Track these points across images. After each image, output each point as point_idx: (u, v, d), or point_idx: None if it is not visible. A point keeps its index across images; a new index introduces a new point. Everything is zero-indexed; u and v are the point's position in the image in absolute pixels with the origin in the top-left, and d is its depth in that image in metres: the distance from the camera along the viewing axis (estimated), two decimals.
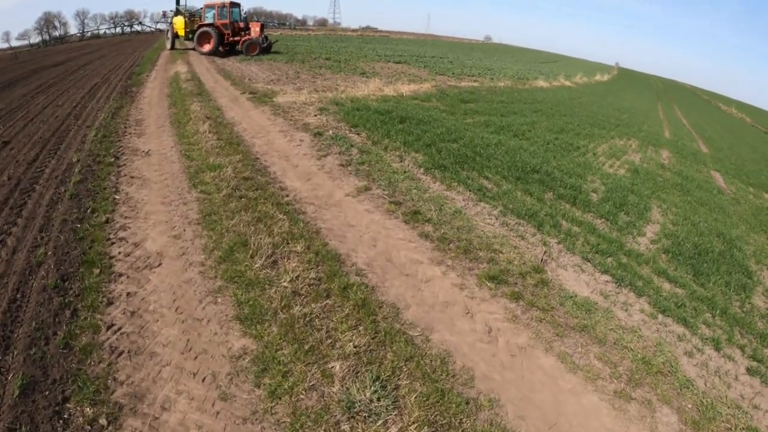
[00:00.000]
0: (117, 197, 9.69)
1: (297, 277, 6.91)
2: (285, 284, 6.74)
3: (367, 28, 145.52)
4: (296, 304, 6.39)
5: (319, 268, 7.27)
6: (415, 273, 7.57)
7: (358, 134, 13.93)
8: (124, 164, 11.59)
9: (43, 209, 9.18)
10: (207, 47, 36.54)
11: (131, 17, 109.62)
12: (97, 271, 7.02)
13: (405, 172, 11.41)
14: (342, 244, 8.16)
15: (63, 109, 18.38)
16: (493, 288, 7.25)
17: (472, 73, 39.31)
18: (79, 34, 54.55)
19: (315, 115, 15.59)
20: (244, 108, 16.95)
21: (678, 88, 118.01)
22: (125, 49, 49.36)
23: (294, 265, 7.20)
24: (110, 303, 6.35)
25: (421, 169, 11.70)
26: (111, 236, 8.11)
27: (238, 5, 38.53)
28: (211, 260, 7.35)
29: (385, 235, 8.63)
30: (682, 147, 26.93)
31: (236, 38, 37.85)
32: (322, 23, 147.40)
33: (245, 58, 34.55)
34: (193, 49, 38.85)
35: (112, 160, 11.79)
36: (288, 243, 7.78)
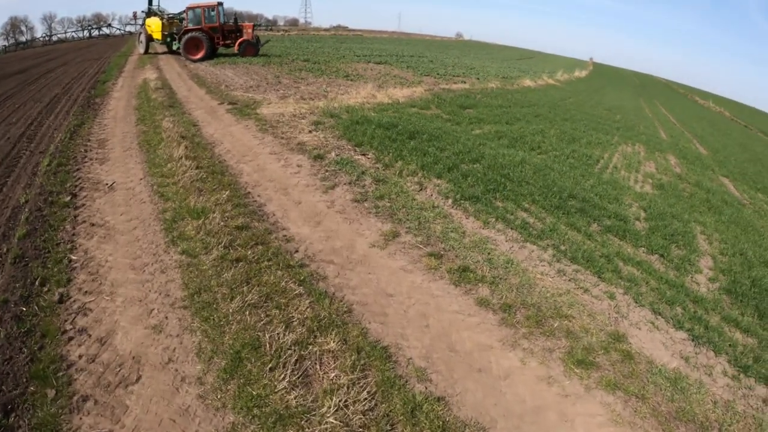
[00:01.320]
0: (74, 257, 7.24)
1: (343, 402, 4.57)
2: (330, 419, 4.41)
3: (339, 27, 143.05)
4: None
5: (368, 377, 4.99)
6: (488, 366, 5.54)
7: (364, 155, 11.51)
8: (83, 204, 9.08)
9: None
10: (198, 54, 32.37)
11: (99, 20, 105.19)
12: (52, 393, 4.73)
13: (434, 206, 9.19)
14: (385, 328, 5.87)
15: (16, 128, 15.52)
16: (584, 377, 5.47)
17: (457, 72, 37.18)
18: (45, 38, 50.29)
19: (310, 132, 13.07)
20: (224, 122, 14.32)
21: (653, 83, 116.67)
22: (91, 54, 45.87)
23: (333, 376, 4.93)
24: None
25: (449, 201, 9.53)
26: (68, 326, 5.74)
27: (222, 5, 34.54)
28: (213, 374, 4.96)
29: (436, 307, 6.38)
30: (684, 150, 25.65)
31: (227, 42, 34.24)
32: (293, 23, 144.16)
33: (219, 61, 31.47)
34: (169, 53, 35.62)
35: (68, 198, 9.24)
36: (316, 336, 5.45)
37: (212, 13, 33.43)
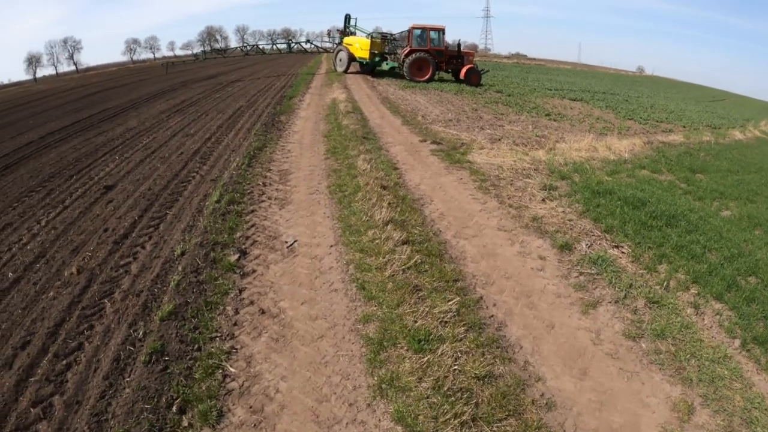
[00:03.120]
0: (231, 370, 5.12)
1: None
2: None
3: (518, 54, 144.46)
4: None
5: None
6: None
7: (618, 248, 8.41)
8: (253, 270, 7.07)
9: (98, 386, 4.90)
10: (424, 76, 33.10)
11: (288, 35, 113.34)
12: None
13: (725, 356, 5.94)
14: None
15: (192, 141, 14.67)
16: None
17: (659, 117, 32.68)
18: (245, 46, 53.18)
19: (543, 200, 10.24)
20: (431, 169, 11.95)
21: None
22: (280, 67, 47.74)
23: None
24: None
25: (736, 343, 6.25)
26: None
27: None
28: None
29: None
30: None
31: (448, 67, 34.48)
32: (473, 48, 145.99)
33: (408, 85, 30.50)
34: (365, 73, 36.00)
35: (235, 258, 7.32)
36: None
37: (437, 36, 33.63)
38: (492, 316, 6.20)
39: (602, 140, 19.11)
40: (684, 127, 30.79)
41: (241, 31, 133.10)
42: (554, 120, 23.28)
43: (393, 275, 6.58)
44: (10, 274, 7.17)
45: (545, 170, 12.58)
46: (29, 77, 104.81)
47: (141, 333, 5.58)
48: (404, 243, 7.45)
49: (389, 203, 8.82)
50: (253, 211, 9.14)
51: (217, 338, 5.54)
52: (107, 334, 5.63)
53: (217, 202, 9.30)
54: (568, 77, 69.04)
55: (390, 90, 28.12)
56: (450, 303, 6.00)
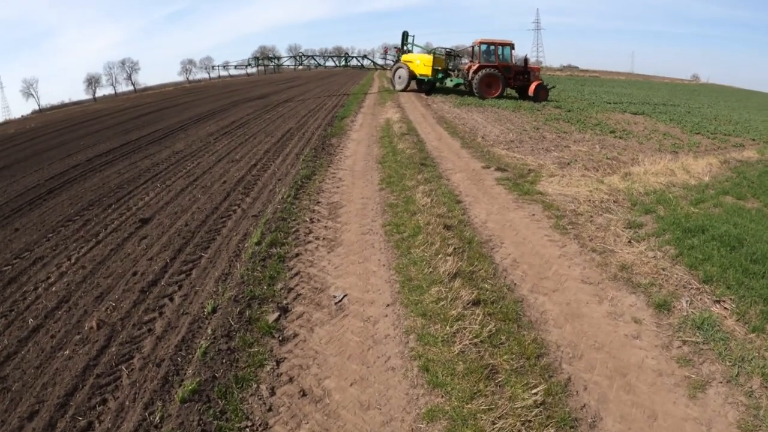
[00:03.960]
0: None
1: None
2: None
3: (570, 66, 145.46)
4: None
5: None
6: None
7: (720, 303, 6.93)
8: (295, 335, 6.14)
9: None
10: (494, 93, 32.50)
11: (340, 53, 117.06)
12: None
13: None
14: None
15: (237, 168, 14.03)
16: None
17: (726, 130, 30.47)
18: (300, 57, 54.00)
19: (629, 241, 8.88)
20: (498, 202, 10.76)
21: None
22: (331, 86, 47.44)
23: None
24: None
25: None
26: None
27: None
28: None
29: None
30: None
31: (515, 84, 33.85)
32: (524, 61, 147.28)
33: (463, 101, 29.63)
34: (421, 91, 35.29)
35: (274, 317, 6.37)
36: None
37: (503, 51, 33.01)
38: (584, 406, 4.96)
39: (677, 161, 17.66)
40: (753, 140, 28.85)
41: (293, 50, 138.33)
42: (620, 138, 21.89)
43: (463, 351, 5.40)
44: (31, 320, 6.61)
45: (626, 202, 11.24)
46: (89, 96, 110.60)
47: (157, 417, 4.66)
48: (475, 304, 6.28)
49: (454, 249, 7.67)
50: (297, 254, 8.18)
51: (247, 429, 4.54)
52: (119, 415, 4.76)
53: (258, 244, 8.39)
54: (624, 88, 67.53)
55: (445, 108, 27.16)
56: (534, 392, 4.80)
